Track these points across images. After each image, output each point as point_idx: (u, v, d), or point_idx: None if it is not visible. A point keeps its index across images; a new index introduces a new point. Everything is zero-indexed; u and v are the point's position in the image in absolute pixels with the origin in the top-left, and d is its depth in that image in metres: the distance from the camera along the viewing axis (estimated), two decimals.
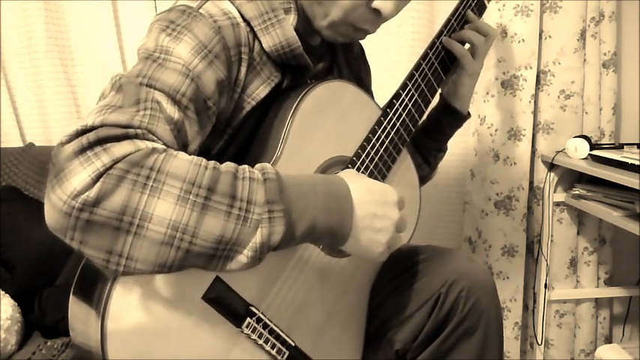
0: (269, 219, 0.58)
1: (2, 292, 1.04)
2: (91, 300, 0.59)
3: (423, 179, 1.05)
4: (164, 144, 0.57)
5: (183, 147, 0.61)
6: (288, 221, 0.59)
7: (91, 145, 0.52)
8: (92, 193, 0.50)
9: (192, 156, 0.57)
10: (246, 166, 0.60)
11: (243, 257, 0.57)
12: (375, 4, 0.74)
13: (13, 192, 1.22)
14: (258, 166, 0.61)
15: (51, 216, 0.51)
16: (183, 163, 0.55)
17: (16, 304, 1.04)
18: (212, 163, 0.57)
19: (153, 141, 0.56)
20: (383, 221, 0.67)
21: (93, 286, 0.59)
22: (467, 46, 0.95)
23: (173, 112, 0.60)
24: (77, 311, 0.62)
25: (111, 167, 0.51)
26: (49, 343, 1.00)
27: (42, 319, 1.05)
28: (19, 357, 0.98)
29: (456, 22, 0.93)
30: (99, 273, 0.58)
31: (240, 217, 0.56)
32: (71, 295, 0.62)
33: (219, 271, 0.59)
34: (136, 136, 0.55)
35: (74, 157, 0.51)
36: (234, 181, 0.57)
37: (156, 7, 1.42)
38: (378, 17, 0.76)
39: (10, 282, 1.09)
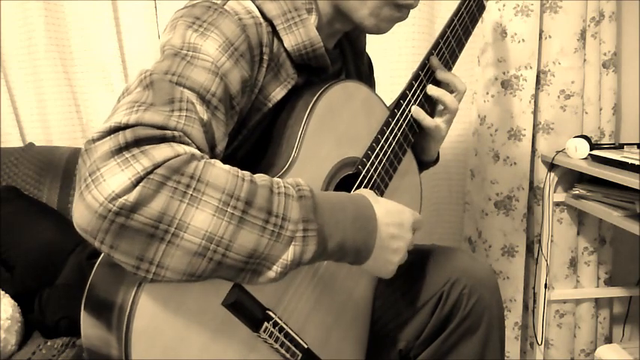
0: (303, 237, 0.58)
1: (2, 292, 1.04)
2: (109, 320, 0.56)
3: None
4: (197, 147, 0.55)
5: (211, 149, 0.60)
6: (321, 240, 0.60)
7: (128, 146, 0.49)
8: (131, 197, 0.48)
9: (228, 165, 0.56)
10: (280, 180, 0.59)
11: (271, 273, 0.57)
12: None
13: (13, 192, 1.22)
14: (291, 180, 0.60)
15: (83, 217, 0.49)
16: (222, 173, 0.54)
17: (16, 304, 1.04)
18: (247, 174, 0.56)
19: (188, 144, 0.54)
20: (399, 242, 0.70)
21: (109, 296, 0.57)
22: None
23: (203, 112, 0.58)
24: (91, 325, 0.59)
25: (151, 172, 0.49)
26: (49, 343, 1.00)
27: (42, 319, 1.05)
28: (19, 357, 0.98)
29: (459, 23, 0.94)
30: (112, 282, 0.57)
31: (274, 233, 0.56)
32: (82, 311, 0.59)
33: (245, 284, 0.58)
34: (173, 139, 0.53)
35: (110, 157, 0.49)
36: (270, 195, 0.56)
37: (156, 7, 1.42)
38: None
39: (10, 282, 1.09)
